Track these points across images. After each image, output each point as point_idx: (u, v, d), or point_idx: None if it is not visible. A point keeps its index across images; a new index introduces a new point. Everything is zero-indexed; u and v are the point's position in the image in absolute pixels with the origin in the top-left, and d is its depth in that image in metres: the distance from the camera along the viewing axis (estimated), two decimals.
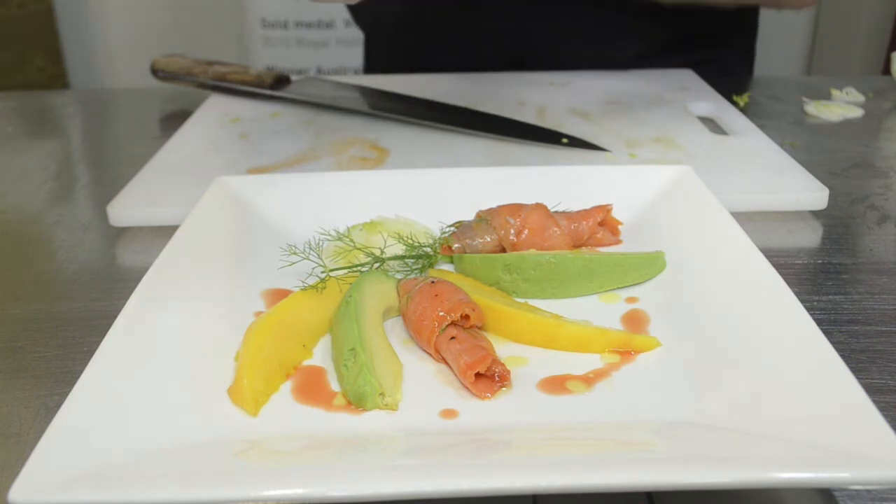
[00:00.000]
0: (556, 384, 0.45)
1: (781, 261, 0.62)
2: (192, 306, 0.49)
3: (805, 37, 2.42)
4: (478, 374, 0.44)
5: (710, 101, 0.94)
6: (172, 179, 0.74)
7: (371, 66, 1.24)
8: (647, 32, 1.08)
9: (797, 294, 0.46)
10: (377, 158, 0.80)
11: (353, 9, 1.22)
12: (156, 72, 1.02)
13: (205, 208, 0.60)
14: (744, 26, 1.15)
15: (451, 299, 0.48)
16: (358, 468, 0.37)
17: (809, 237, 0.67)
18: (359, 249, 0.57)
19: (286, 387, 0.46)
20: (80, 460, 0.36)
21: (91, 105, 1.12)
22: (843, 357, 0.40)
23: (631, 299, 0.54)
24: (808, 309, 0.45)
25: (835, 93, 1.02)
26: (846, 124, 0.94)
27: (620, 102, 0.95)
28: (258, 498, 0.33)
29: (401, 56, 1.17)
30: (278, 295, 0.54)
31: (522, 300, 0.54)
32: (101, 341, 0.44)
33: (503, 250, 0.58)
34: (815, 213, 0.70)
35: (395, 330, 0.51)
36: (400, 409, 0.44)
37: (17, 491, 0.33)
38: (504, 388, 0.45)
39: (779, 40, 2.41)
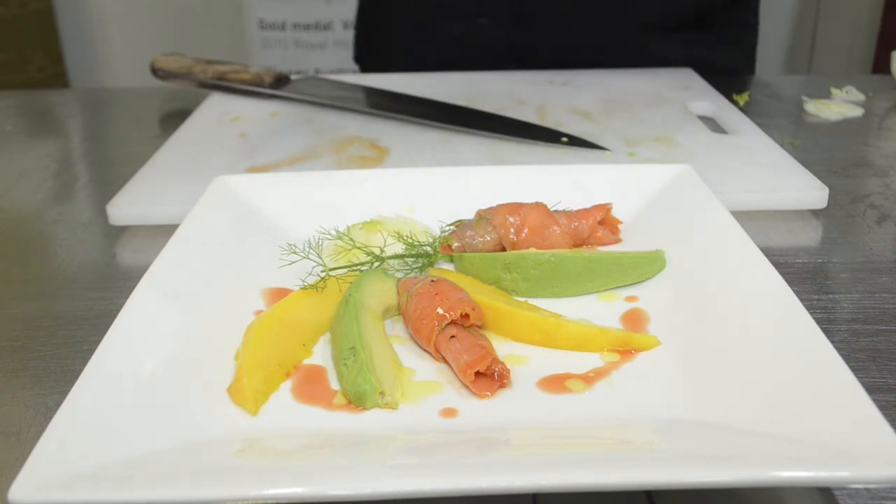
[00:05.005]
0: (555, 383, 0.45)
1: (781, 260, 0.62)
2: (192, 305, 0.49)
3: (805, 37, 2.42)
4: (478, 373, 0.44)
5: (710, 100, 0.94)
6: (172, 178, 0.74)
7: (362, 55, 1.25)
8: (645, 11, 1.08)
9: (797, 293, 0.46)
10: (377, 157, 0.80)
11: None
12: (156, 71, 1.02)
13: (204, 207, 0.60)
14: (742, 16, 1.15)
15: (451, 298, 0.48)
16: (358, 467, 0.37)
17: (809, 236, 0.67)
18: (358, 248, 0.57)
19: (286, 386, 0.46)
20: (80, 459, 0.36)
21: (91, 104, 1.12)
22: (843, 356, 0.40)
23: (631, 298, 0.54)
24: (807, 308, 0.45)
25: (835, 92, 1.02)
26: (846, 123, 0.94)
27: (620, 101, 0.95)
28: (258, 497, 0.33)
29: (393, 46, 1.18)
30: (278, 294, 0.54)
31: (522, 299, 0.54)
32: (101, 340, 0.44)
33: (503, 249, 0.58)
34: (815, 212, 0.70)
35: (395, 329, 0.51)
36: (399, 408, 0.44)
37: (17, 490, 0.33)
38: (504, 387, 0.45)
39: (779, 40, 2.41)
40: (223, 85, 0.99)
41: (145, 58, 1.08)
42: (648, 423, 0.42)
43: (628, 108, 0.93)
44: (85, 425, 0.38)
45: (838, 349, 0.41)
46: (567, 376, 0.46)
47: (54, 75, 2.55)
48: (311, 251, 0.56)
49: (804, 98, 0.99)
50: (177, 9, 2.59)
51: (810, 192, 0.69)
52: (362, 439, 0.41)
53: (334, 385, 0.46)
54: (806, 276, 0.60)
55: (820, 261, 0.62)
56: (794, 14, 2.37)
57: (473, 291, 0.51)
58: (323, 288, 0.53)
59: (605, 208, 0.60)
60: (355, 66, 1.29)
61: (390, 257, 0.57)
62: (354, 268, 0.56)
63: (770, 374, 0.42)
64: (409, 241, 0.58)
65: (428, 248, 0.58)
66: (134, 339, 0.45)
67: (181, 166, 0.78)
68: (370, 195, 0.64)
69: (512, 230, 0.58)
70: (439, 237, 0.60)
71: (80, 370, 0.41)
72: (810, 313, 0.44)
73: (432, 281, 0.50)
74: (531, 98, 0.96)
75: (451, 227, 0.60)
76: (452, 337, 0.46)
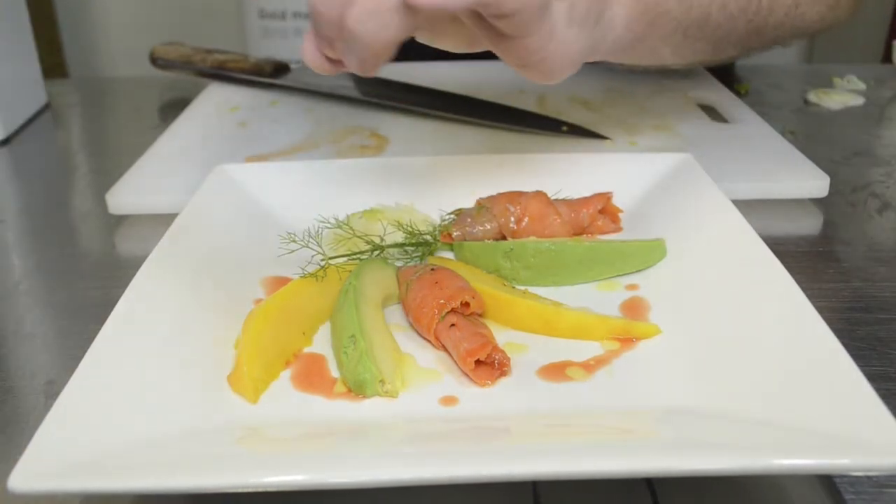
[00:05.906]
0: (556, 371, 0.45)
1: (782, 248, 0.62)
2: (191, 294, 0.49)
3: None
4: (478, 362, 0.44)
5: (711, 89, 0.94)
6: (171, 168, 0.74)
7: None
8: None
9: (797, 281, 0.46)
10: (376, 146, 0.80)
11: None
12: (155, 60, 1.02)
13: (204, 196, 0.59)
14: None
15: (451, 287, 0.48)
16: (358, 455, 0.37)
17: (810, 225, 0.66)
18: (358, 237, 0.57)
19: (286, 374, 0.46)
20: (79, 447, 0.36)
21: (90, 94, 1.11)
22: (844, 344, 0.40)
23: (631, 286, 0.53)
24: (808, 296, 0.44)
25: (836, 81, 1.02)
26: (847, 112, 0.93)
27: (621, 90, 0.95)
28: (258, 485, 0.33)
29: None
30: (278, 283, 0.54)
31: (522, 287, 0.54)
32: (100, 329, 0.43)
33: (503, 238, 0.58)
34: (816, 201, 0.69)
35: (394, 317, 0.51)
36: (400, 397, 0.44)
37: (16, 478, 0.33)
38: (504, 375, 0.45)
39: None
40: (222, 74, 0.98)
41: (144, 47, 1.08)
42: (649, 411, 0.42)
43: (629, 97, 0.92)
44: (84, 414, 0.38)
45: (839, 337, 0.41)
46: (567, 364, 0.46)
47: (53, 65, 2.54)
48: (311, 240, 0.56)
49: (805, 87, 0.99)
50: None
51: (811, 180, 0.69)
52: (362, 427, 0.41)
53: (334, 373, 0.46)
54: (806, 264, 0.60)
55: (821, 249, 0.62)
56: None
57: (473, 280, 0.51)
58: (323, 276, 0.52)
59: (606, 197, 0.60)
60: None
61: (390, 246, 0.57)
62: (354, 256, 0.56)
63: (771, 362, 0.41)
64: (409, 229, 0.58)
65: (428, 237, 0.58)
66: (133, 327, 0.45)
67: (180, 155, 0.77)
68: (370, 184, 0.64)
69: (512, 219, 0.58)
70: (439, 226, 0.60)
71: (80, 359, 0.41)
72: (811, 301, 0.44)
73: (432, 269, 0.50)
74: (531, 86, 0.96)
75: (451, 216, 0.60)
76: (452, 325, 0.46)
